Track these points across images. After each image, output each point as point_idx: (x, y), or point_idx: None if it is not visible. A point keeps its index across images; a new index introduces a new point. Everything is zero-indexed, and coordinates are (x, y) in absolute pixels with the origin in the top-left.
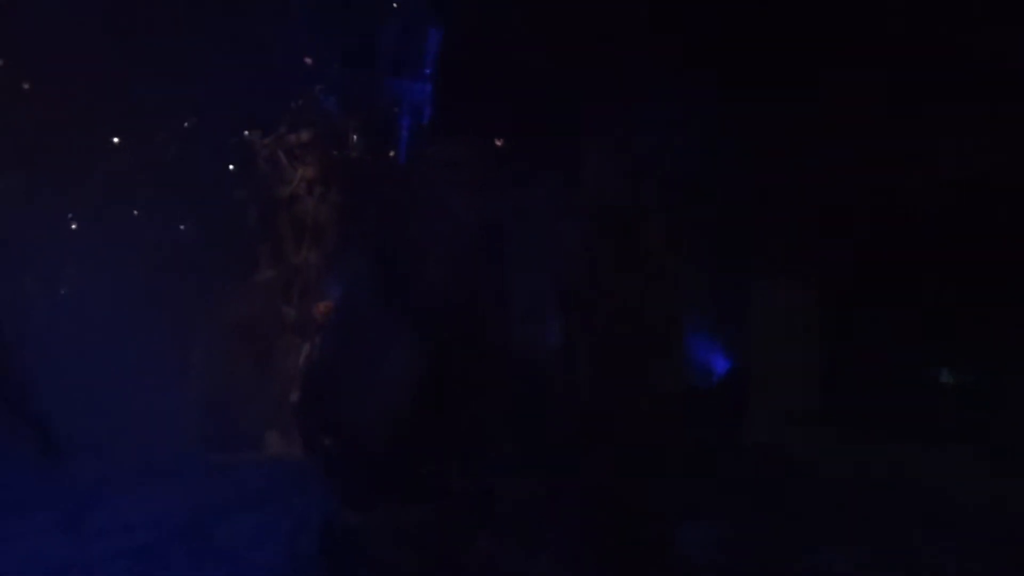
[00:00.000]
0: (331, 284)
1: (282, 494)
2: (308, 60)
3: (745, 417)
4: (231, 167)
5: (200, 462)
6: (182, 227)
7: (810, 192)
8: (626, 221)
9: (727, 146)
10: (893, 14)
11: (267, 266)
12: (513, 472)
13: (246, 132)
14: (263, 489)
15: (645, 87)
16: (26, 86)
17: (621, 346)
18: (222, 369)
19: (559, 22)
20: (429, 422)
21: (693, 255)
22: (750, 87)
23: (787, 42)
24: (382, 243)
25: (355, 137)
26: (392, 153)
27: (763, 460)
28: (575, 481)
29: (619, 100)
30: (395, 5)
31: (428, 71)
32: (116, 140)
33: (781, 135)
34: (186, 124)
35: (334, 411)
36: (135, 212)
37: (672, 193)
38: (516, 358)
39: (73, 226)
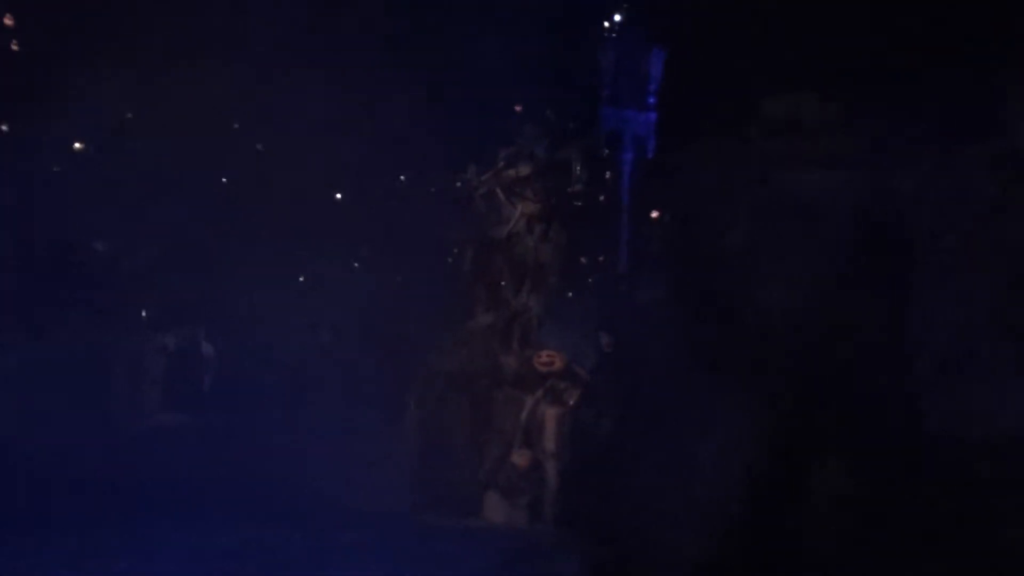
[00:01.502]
0: (553, 329)
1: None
2: (518, 108)
3: None
4: (448, 210)
5: (408, 525)
6: (399, 279)
7: None
8: None
9: None
10: None
11: (484, 311)
12: None
13: (464, 172)
14: (472, 565)
15: None
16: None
17: None
18: (435, 423)
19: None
20: (759, 533)
21: None
22: None
23: None
24: (684, 260)
25: (578, 169)
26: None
27: None
28: None
29: None
30: (612, 34)
31: (651, 99)
32: (338, 196)
33: None
34: (402, 177)
35: (603, 503)
36: (355, 264)
37: None
38: (929, 436)
39: (300, 279)
